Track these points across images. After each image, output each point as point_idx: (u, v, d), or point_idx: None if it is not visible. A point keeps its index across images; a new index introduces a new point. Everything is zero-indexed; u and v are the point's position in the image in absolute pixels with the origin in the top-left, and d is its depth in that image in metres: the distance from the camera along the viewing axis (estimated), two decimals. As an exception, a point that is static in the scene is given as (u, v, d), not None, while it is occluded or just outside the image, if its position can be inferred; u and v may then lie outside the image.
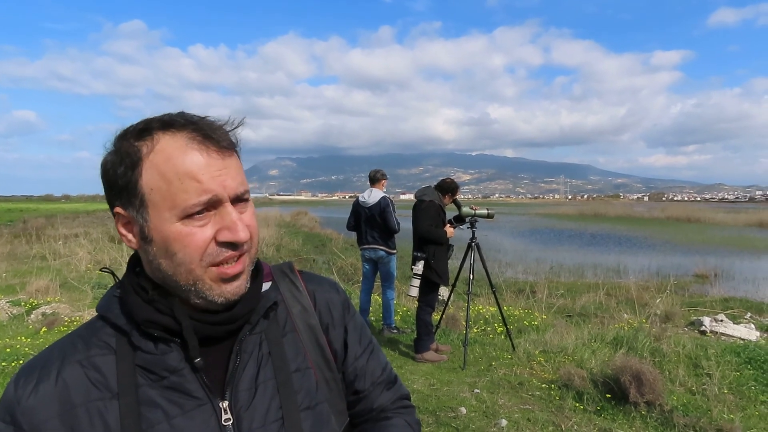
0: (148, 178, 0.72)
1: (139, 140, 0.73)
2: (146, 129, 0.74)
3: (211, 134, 0.74)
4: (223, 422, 0.76)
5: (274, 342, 0.84)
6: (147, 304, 0.76)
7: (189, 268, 0.73)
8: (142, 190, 0.72)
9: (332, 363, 0.91)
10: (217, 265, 0.74)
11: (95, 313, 0.81)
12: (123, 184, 0.73)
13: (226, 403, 0.77)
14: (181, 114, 0.75)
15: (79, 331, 0.80)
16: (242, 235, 0.74)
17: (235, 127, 0.78)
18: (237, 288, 0.77)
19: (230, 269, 0.75)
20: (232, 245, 0.74)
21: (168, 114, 0.75)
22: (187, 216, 0.72)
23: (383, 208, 6.14)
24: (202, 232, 0.72)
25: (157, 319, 0.75)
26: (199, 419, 0.75)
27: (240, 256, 0.76)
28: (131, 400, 0.73)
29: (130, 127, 0.76)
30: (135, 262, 0.81)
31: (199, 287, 0.74)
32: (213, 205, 0.73)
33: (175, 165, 0.71)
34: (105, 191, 0.77)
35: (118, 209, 0.76)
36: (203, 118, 0.76)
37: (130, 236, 0.76)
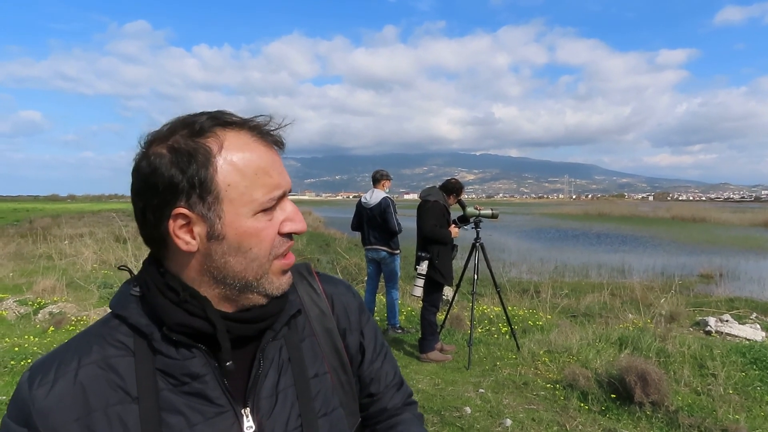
0: (225, 174, 0.71)
1: (202, 137, 0.72)
2: (203, 127, 0.73)
3: (269, 132, 0.77)
4: (245, 430, 0.76)
5: (293, 348, 0.84)
6: (177, 306, 0.74)
7: (261, 262, 0.75)
8: (218, 186, 0.71)
9: (348, 366, 0.92)
10: (278, 258, 0.77)
11: (102, 313, 0.80)
12: (194, 182, 0.70)
13: (247, 411, 0.77)
14: (223, 112, 0.76)
15: (94, 330, 0.78)
16: (303, 224, 0.79)
17: (284, 126, 0.79)
18: (289, 279, 0.80)
19: (289, 259, 0.79)
20: (290, 236, 0.78)
21: (213, 112, 0.75)
22: (261, 210, 0.74)
23: (383, 208, 6.15)
24: (272, 225, 0.75)
25: (189, 322, 0.73)
26: (221, 426, 0.74)
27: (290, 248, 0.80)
28: (152, 405, 0.72)
29: (177, 125, 0.74)
30: (155, 261, 0.78)
31: (263, 281, 0.76)
32: (279, 199, 0.77)
33: (250, 161, 0.73)
34: (157, 193, 0.71)
35: (180, 210, 0.71)
36: (253, 118, 0.77)
37: (188, 237, 0.73)
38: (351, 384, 0.92)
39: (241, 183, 0.72)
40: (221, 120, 0.74)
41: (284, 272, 0.79)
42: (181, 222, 0.72)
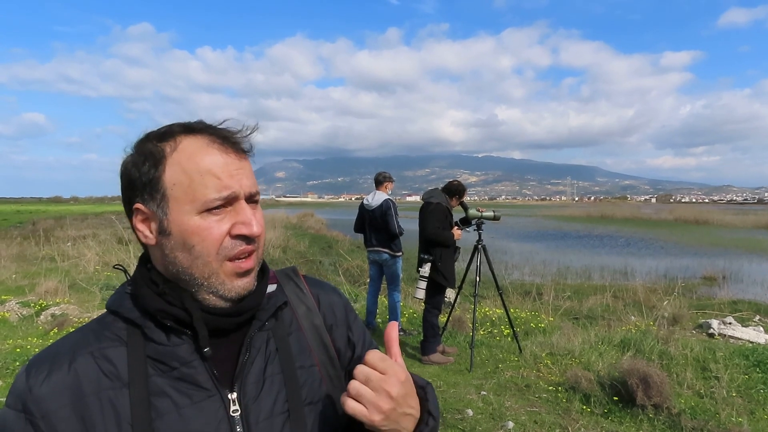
0: (171, 174, 0.77)
1: (162, 141, 0.79)
2: (168, 132, 0.80)
3: (229, 137, 0.81)
4: (231, 413, 0.79)
5: (280, 339, 0.88)
6: (158, 296, 0.79)
7: (206, 260, 0.78)
8: (165, 185, 0.77)
9: (336, 361, 0.95)
10: (232, 259, 0.79)
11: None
12: (146, 180, 0.78)
13: (234, 395, 0.80)
14: (200, 121, 0.82)
15: (90, 326, 0.83)
16: (256, 229, 0.79)
17: (250, 133, 0.83)
18: (247, 284, 0.81)
19: (244, 263, 0.80)
20: (246, 239, 0.79)
21: (188, 122, 0.82)
22: (206, 210, 0.77)
23: (384, 210, 6.16)
24: (218, 226, 0.77)
25: (168, 309, 0.78)
26: (208, 409, 0.78)
27: (251, 252, 0.81)
28: (141, 389, 0.76)
29: (152, 131, 0.82)
30: (145, 259, 0.84)
31: (213, 281, 0.78)
32: (230, 201, 0.78)
33: (197, 162, 0.77)
34: (124, 190, 0.81)
35: (138, 205, 0.79)
36: (221, 123, 0.83)
37: (146, 231, 0.80)
38: (340, 379, 0.94)
39: (185, 182, 0.77)
40: (187, 127, 0.81)
41: (240, 275, 0.80)
42: (140, 217, 0.80)
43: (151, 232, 0.80)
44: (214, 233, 0.77)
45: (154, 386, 0.76)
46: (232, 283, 0.79)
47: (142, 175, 0.78)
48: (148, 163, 0.78)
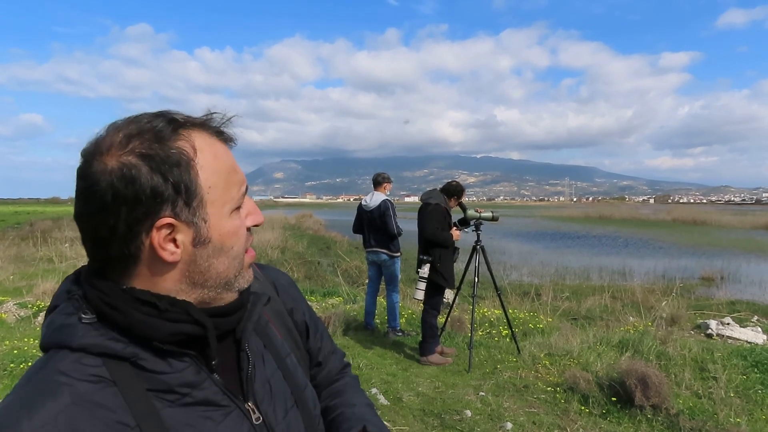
0: (205, 177, 0.70)
1: (171, 141, 0.68)
2: (170, 131, 0.69)
3: (224, 130, 0.76)
4: (254, 422, 0.77)
5: (264, 336, 0.87)
6: (158, 318, 0.69)
7: (240, 258, 0.75)
8: (202, 189, 0.69)
9: (300, 343, 0.97)
10: (247, 251, 0.78)
11: None
12: (180, 188, 0.67)
13: (251, 404, 0.78)
14: (170, 112, 0.72)
15: (48, 372, 0.66)
16: (262, 216, 0.80)
17: (225, 122, 0.75)
18: (252, 271, 0.81)
19: (253, 252, 0.80)
20: (249, 229, 0.79)
21: (163, 113, 0.71)
22: (236, 208, 0.74)
23: (383, 211, 6.16)
24: (243, 222, 0.76)
25: (179, 329, 0.70)
26: (233, 425, 0.74)
27: None
28: (156, 427, 0.67)
29: (131, 131, 0.68)
30: (109, 281, 0.70)
31: (239, 277, 0.76)
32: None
33: (222, 160, 0.72)
34: (135, 207, 0.66)
35: (165, 220, 0.67)
36: (209, 116, 0.75)
37: (172, 247, 0.69)
38: (305, 359, 0.98)
39: (219, 183, 0.71)
40: (181, 122, 0.70)
41: (251, 264, 0.80)
42: (165, 232, 0.68)
43: (178, 246, 0.69)
44: (244, 230, 0.76)
45: (169, 419, 0.68)
46: (248, 274, 0.79)
47: (175, 182, 0.66)
48: (180, 168, 0.67)
